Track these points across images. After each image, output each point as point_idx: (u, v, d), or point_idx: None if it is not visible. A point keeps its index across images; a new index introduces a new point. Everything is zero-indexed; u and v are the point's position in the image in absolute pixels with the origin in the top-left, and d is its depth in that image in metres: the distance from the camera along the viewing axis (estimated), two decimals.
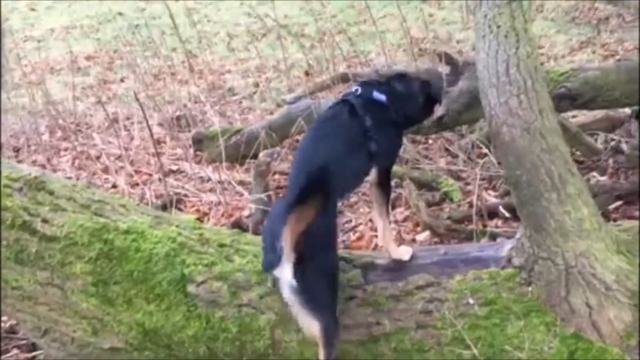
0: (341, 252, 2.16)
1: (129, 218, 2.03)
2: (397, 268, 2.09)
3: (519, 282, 1.96)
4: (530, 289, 1.94)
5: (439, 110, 2.46)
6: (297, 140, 3.73)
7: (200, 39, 6.12)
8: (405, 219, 3.02)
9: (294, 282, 1.77)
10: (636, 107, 3.58)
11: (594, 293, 1.86)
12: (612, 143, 3.60)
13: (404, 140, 3.43)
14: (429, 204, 3.12)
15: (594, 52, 5.36)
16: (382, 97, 2.10)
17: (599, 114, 3.72)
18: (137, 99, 2.97)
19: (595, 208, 1.96)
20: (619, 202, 3.02)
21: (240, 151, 3.54)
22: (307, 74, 5.26)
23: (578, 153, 3.58)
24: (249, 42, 6.55)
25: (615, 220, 2.86)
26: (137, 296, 1.95)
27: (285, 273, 1.77)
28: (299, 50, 6.05)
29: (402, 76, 2.26)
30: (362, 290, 2.02)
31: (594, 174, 3.30)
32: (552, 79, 3.09)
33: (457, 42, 5.96)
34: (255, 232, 2.87)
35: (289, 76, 5.19)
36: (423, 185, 3.24)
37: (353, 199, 3.24)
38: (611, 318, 1.85)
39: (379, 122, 2.04)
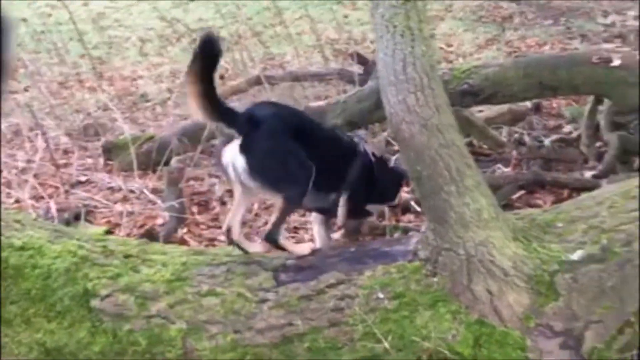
0: (252, 256, 2.16)
1: (24, 234, 1.94)
2: (309, 268, 2.10)
3: (425, 274, 2.02)
4: (435, 279, 2.00)
5: None
6: (212, 146, 3.68)
7: (110, 45, 5.93)
8: None
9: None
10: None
11: (494, 280, 1.94)
12: (516, 135, 3.79)
13: None
14: None
15: (498, 49, 5.61)
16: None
17: (502, 108, 3.91)
18: (31, 109, 2.83)
19: (492, 198, 2.05)
20: (522, 192, 3.18)
21: (152, 159, 3.45)
22: (221, 77, 5.21)
23: (485, 146, 3.75)
24: (163, 47, 6.40)
25: (519, 208, 3.02)
26: (36, 315, 1.86)
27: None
28: None
29: None
30: (274, 293, 2.02)
31: (499, 165, 3.46)
32: (455, 76, 3.23)
33: (371, 42, 6.07)
34: (169, 241, 2.81)
35: None
36: None
37: (270, 201, 3.22)
38: (511, 302, 1.94)
39: None
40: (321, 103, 3.42)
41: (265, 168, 2.04)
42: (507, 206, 3.06)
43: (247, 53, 5.91)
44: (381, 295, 2.00)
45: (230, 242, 2.16)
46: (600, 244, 2.02)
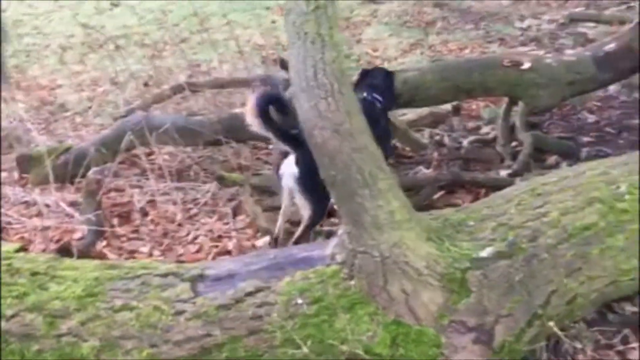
0: (169, 266, 2.12)
1: None
2: (227, 276, 2.08)
3: (342, 278, 2.04)
4: (353, 282, 2.02)
5: None
6: (135, 155, 3.60)
7: (28, 53, 5.69)
8: (246, 226, 3.02)
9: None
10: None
11: (409, 280, 1.98)
12: (437, 137, 3.89)
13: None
14: (271, 209, 3.15)
15: (422, 53, 5.75)
16: None
17: (424, 111, 4.01)
18: None
19: (405, 200, 2.10)
20: (442, 192, 3.26)
21: (70, 171, 3.33)
22: (146, 85, 5.10)
23: (407, 149, 3.83)
24: (84, 54, 6.20)
25: (439, 208, 3.09)
26: None
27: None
28: (138, 61, 5.86)
29: None
30: (191, 304, 1.99)
31: (421, 167, 3.54)
32: None
33: None
34: (87, 255, 2.72)
35: (128, 88, 4.99)
36: (264, 190, 3.27)
37: (193, 210, 3.18)
38: (425, 301, 1.99)
39: None
40: (243, 109, 3.39)
41: (311, 179, 2.33)
42: (428, 206, 3.14)
43: (172, 60, 5.83)
44: (300, 301, 2.01)
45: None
46: (508, 240, 2.11)
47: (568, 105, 4.51)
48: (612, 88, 4.72)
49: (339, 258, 2.07)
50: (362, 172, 1.98)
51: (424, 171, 3.49)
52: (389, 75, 3.11)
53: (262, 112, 2.44)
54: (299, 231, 2.63)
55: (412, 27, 6.69)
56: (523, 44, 5.98)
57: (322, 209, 2.61)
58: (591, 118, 4.35)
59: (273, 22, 7.25)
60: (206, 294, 2.01)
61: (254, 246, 2.83)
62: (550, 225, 2.18)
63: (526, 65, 3.36)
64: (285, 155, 2.57)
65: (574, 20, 6.54)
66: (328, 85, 2.00)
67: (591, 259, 2.18)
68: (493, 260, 2.07)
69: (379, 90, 2.94)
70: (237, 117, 3.35)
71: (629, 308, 2.44)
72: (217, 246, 2.83)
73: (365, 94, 2.88)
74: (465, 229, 2.19)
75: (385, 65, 5.56)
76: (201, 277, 2.07)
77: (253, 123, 2.47)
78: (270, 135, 2.51)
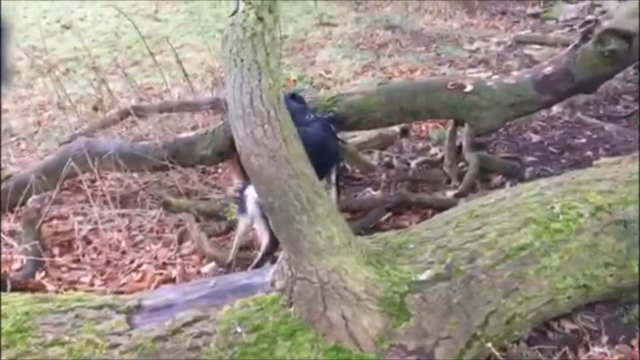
0: (105, 298, 2.07)
1: None
2: (165, 307, 2.04)
3: (282, 304, 2.03)
4: (292, 309, 2.01)
5: None
6: (80, 182, 3.51)
7: None
8: (192, 252, 2.98)
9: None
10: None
11: (348, 305, 1.98)
12: (385, 159, 3.94)
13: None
14: (217, 234, 3.12)
15: (373, 75, 5.84)
16: None
17: (373, 133, 4.05)
18: None
19: (344, 224, 2.11)
20: (389, 214, 3.29)
21: (9, 199, 3.23)
22: (95, 109, 5.01)
23: (357, 170, 3.86)
24: (32, 78, 6.07)
25: (386, 230, 3.12)
26: None
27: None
28: (89, 84, 5.75)
29: None
30: (126, 337, 1.94)
31: (369, 189, 3.57)
32: (321, 104, 3.30)
33: None
34: (25, 286, 2.63)
35: (76, 112, 4.89)
36: (210, 215, 3.24)
37: (139, 237, 3.13)
38: (365, 326, 1.99)
39: None
40: (190, 134, 3.37)
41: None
42: (376, 228, 3.17)
43: (123, 83, 5.75)
44: (239, 330, 1.98)
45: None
46: (446, 263, 2.13)
47: (514, 126, 4.64)
48: (555, 108, 4.88)
49: (278, 285, 2.06)
50: (300, 198, 1.98)
51: (371, 193, 3.51)
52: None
53: None
54: (257, 258, 2.64)
55: (365, 49, 6.78)
56: (472, 66, 6.13)
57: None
58: (535, 138, 4.47)
59: None
60: (142, 326, 1.97)
61: (199, 273, 2.79)
62: (487, 247, 2.22)
63: (469, 88, 3.44)
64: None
65: (520, 42, 6.75)
66: (264, 112, 2.01)
67: (528, 279, 2.23)
68: (432, 283, 2.09)
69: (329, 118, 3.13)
70: (183, 142, 3.33)
71: (569, 326, 2.50)
72: (161, 274, 2.78)
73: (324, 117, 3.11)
74: (405, 252, 2.21)
75: (338, 86, 5.64)
76: (138, 309, 2.03)
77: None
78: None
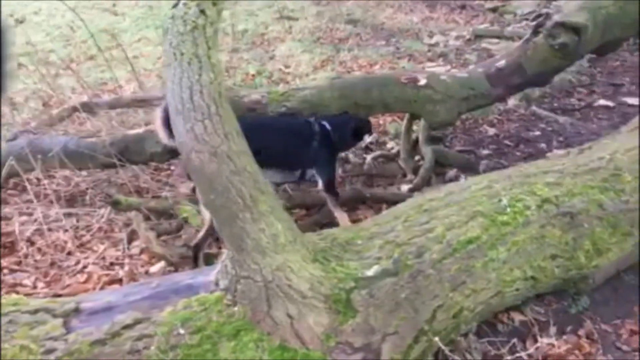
0: (41, 302, 1.99)
1: None
2: (105, 309, 1.98)
3: (226, 304, 1.98)
4: (236, 309, 1.97)
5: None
6: (29, 180, 3.39)
7: None
8: (141, 252, 2.90)
9: None
10: None
11: (293, 303, 1.95)
12: (342, 154, 3.90)
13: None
14: (167, 233, 3.05)
15: (333, 70, 5.80)
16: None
17: None
18: None
19: (290, 221, 2.07)
20: (344, 209, 3.26)
21: None
22: (44, 105, 4.85)
23: None
24: None
25: (335, 225, 3.09)
26: None
27: None
28: (41, 80, 5.58)
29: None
30: (63, 341, 1.87)
31: None
32: (273, 99, 3.25)
33: None
34: None
35: (26, 109, 4.73)
36: (162, 213, 3.16)
37: (86, 237, 3.03)
38: (311, 324, 1.96)
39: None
40: (140, 130, 3.28)
41: None
42: (330, 224, 3.14)
43: (76, 78, 5.59)
44: (182, 331, 1.93)
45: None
46: (393, 258, 2.12)
47: (470, 119, 4.68)
48: (511, 102, 4.94)
49: (222, 284, 2.01)
50: (242, 195, 1.94)
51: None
52: (357, 121, 3.28)
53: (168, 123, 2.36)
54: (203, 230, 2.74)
55: (325, 43, 6.73)
56: (431, 60, 6.15)
57: None
58: (491, 131, 4.52)
59: None
60: (80, 330, 1.90)
61: (147, 273, 2.72)
62: (435, 241, 2.21)
63: (422, 82, 3.43)
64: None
65: (478, 36, 6.81)
66: (205, 108, 1.95)
67: (475, 272, 2.23)
68: (379, 279, 2.07)
69: (333, 123, 3.10)
70: (132, 139, 3.25)
71: (518, 317, 2.52)
72: (107, 275, 2.70)
73: (312, 118, 3.13)
74: (353, 248, 2.19)
75: (297, 81, 5.59)
76: (76, 312, 1.96)
77: (160, 134, 2.60)
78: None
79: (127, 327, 1.92)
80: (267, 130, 2.90)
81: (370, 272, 2.07)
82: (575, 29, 3.46)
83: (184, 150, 1.96)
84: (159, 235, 3.02)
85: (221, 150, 1.93)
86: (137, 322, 1.93)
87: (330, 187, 3.04)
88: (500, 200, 2.39)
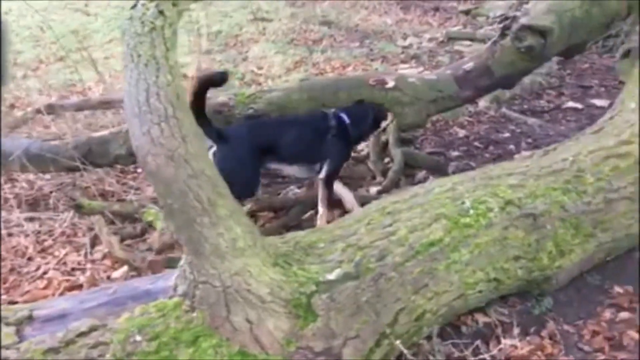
0: None
1: None
2: (59, 317, 1.94)
3: (185, 310, 1.95)
4: (195, 314, 1.94)
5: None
6: None
7: None
8: (104, 257, 2.85)
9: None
10: None
11: (253, 308, 1.93)
12: None
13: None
14: (132, 237, 3.01)
15: (306, 71, 5.79)
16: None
17: None
18: None
19: (250, 225, 2.04)
20: (312, 211, 3.25)
21: None
22: (12, 106, 4.76)
23: None
24: None
25: (308, 228, 3.08)
26: None
27: None
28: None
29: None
30: (14, 350, 1.82)
31: (293, 187, 3.52)
32: (239, 101, 3.23)
33: (182, 66, 5.95)
34: None
35: None
36: (126, 217, 3.11)
37: (48, 242, 2.97)
38: (271, 329, 1.94)
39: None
40: (104, 132, 3.23)
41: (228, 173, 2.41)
42: (297, 226, 3.13)
43: (45, 79, 5.51)
44: (139, 338, 1.90)
45: None
46: (354, 261, 2.11)
47: (441, 121, 4.70)
48: (482, 104, 4.97)
49: (180, 289, 1.98)
50: (200, 199, 1.91)
51: (295, 191, 3.46)
52: (374, 109, 3.34)
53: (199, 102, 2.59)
54: None
55: (299, 44, 6.72)
56: (403, 62, 6.17)
57: (242, 196, 2.80)
58: (461, 133, 4.54)
59: None
60: (33, 338, 1.86)
61: (109, 278, 2.68)
62: (398, 244, 2.21)
63: (390, 84, 3.43)
64: (209, 147, 2.75)
65: (451, 38, 6.85)
66: (162, 110, 1.92)
67: (438, 275, 2.23)
68: (340, 282, 2.06)
69: (351, 114, 3.16)
70: (96, 141, 3.19)
71: (482, 319, 2.53)
72: (68, 280, 2.64)
73: (332, 110, 3.18)
74: (315, 252, 2.17)
75: (269, 82, 5.57)
76: (29, 319, 1.92)
77: None
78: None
79: (81, 334, 1.88)
80: (287, 127, 3.00)
81: (331, 276, 2.06)
82: (541, 32, 3.48)
83: (140, 154, 1.92)
84: (123, 240, 2.98)
85: (178, 154, 1.90)
86: (93, 329, 1.89)
87: (329, 180, 3.10)
88: (463, 203, 2.39)
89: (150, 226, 3.03)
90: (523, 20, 3.52)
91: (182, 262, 2.01)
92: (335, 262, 2.12)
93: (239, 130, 2.89)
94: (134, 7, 2.15)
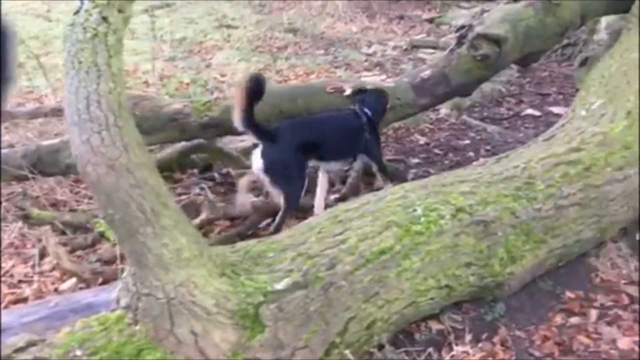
0: None
1: None
2: None
3: (127, 323, 1.90)
4: (138, 327, 1.89)
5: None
6: None
7: None
8: (53, 268, 2.78)
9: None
10: None
11: (198, 320, 1.89)
12: None
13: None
14: (82, 247, 2.94)
15: (269, 78, 5.76)
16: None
17: None
18: None
19: (196, 235, 2.01)
20: (269, 220, 3.22)
21: None
22: None
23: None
24: None
25: (265, 236, 3.05)
26: None
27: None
28: None
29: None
30: None
31: (251, 195, 3.48)
32: (195, 108, 3.19)
33: (143, 72, 5.89)
34: None
35: None
36: (77, 227, 3.04)
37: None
38: (217, 341, 1.90)
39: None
40: (54, 141, 3.15)
41: (275, 172, 2.86)
42: (254, 235, 3.09)
43: None
44: (79, 353, 1.85)
45: None
46: (303, 270, 2.09)
47: (402, 128, 4.73)
48: (443, 111, 5.02)
49: (123, 302, 1.93)
50: (143, 209, 1.87)
51: (252, 199, 3.43)
52: (381, 94, 3.46)
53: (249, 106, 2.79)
54: (278, 217, 2.97)
55: (263, 52, 6.71)
56: (367, 69, 6.21)
57: (295, 191, 2.97)
58: (422, 140, 4.58)
59: None
60: None
61: (57, 290, 2.60)
62: (348, 252, 2.20)
63: (348, 91, 3.43)
64: (255, 145, 2.93)
65: (415, 46, 6.92)
66: (102, 118, 1.87)
67: (388, 283, 2.23)
68: (289, 292, 2.04)
69: (368, 105, 3.30)
70: (46, 150, 3.12)
71: (436, 326, 2.53)
72: (13, 293, 2.56)
73: (355, 107, 3.30)
74: (264, 261, 2.15)
75: (232, 90, 5.53)
76: None
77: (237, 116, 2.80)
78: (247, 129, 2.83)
79: (19, 350, 1.82)
80: (328, 126, 3.19)
81: (280, 286, 2.03)
82: (496, 41, 3.54)
83: (80, 163, 1.87)
84: (73, 250, 2.91)
85: (120, 163, 1.85)
86: (31, 344, 1.83)
87: (382, 167, 3.35)
88: (415, 210, 2.39)
89: (102, 236, 2.95)
90: (478, 29, 3.57)
91: (125, 274, 1.96)
92: (285, 271, 2.09)
93: (284, 130, 3.00)
94: (76, 13, 2.10)
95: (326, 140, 3.09)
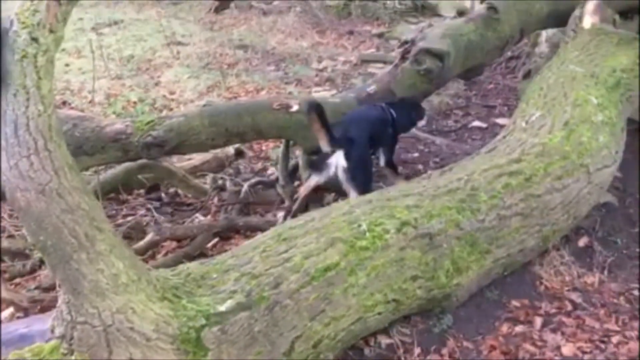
0: None
1: None
2: None
3: (62, 353, 1.84)
4: (74, 357, 1.83)
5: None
6: None
7: None
8: None
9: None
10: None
11: (137, 347, 1.84)
12: (220, 182, 3.82)
13: None
14: (21, 275, 2.83)
15: (219, 95, 5.73)
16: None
17: (207, 156, 3.93)
18: None
19: (133, 259, 1.96)
20: (217, 239, 3.18)
21: None
22: None
23: (189, 196, 3.71)
24: None
25: (212, 256, 3.00)
26: None
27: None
28: None
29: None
30: None
31: (198, 214, 3.44)
32: (138, 128, 3.14)
33: (89, 91, 5.76)
34: None
35: None
36: (16, 254, 2.93)
37: None
38: None
39: None
40: None
41: (356, 171, 3.12)
42: (202, 255, 3.04)
43: None
44: None
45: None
46: (247, 290, 2.06)
47: None
48: None
49: (57, 331, 1.86)
50: (77, 235, 1.81)
51: (200, 218, 3.38)
52: (414, 105, 3.66)
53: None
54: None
55: (214, 69, 6.65)
56: (318, 84, 6.24)
57: (371, 181, 3.27)
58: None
59: (67, 65, 6.80)
60: None
61: None
62: (292, 270, 2.18)
63: (294, 107, 3.43)
64: (332, 151, 3.10)
65: (365, 61, 7.00)
66: (31, 142, 1.82)
67: (334, 300, 2.21)
68: (233, 314, 2.00)
69: (397, 108, 3.46)
70: None
71: (385, 341, 2.53)
72: None
73: (383, 104, 3.49)
74: (207, 283, 2.11)
75: (181, 108, 5.47)
76: None
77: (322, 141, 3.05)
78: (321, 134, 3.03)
79: None
80: (373, 121, 3.36)
81: (222, 307, 2.00)
82: (438, 55, 3.61)
83: (7, 190, 1.80)
84: (12, 278, 2.80)
85: (50, 188, 1.80)
86: None
87: (390, 163, 3.53)
88: (359, 225, 2.39)
89: (42, 263, 2.86)
90: (421, 44, 3.64)
91: (59, 303, 1.89)
92: (228, 292, 2.06)
93: (353, 130, 3.20)
94: (5, 34, 2.03)
95: (376, 135, 3.33)
